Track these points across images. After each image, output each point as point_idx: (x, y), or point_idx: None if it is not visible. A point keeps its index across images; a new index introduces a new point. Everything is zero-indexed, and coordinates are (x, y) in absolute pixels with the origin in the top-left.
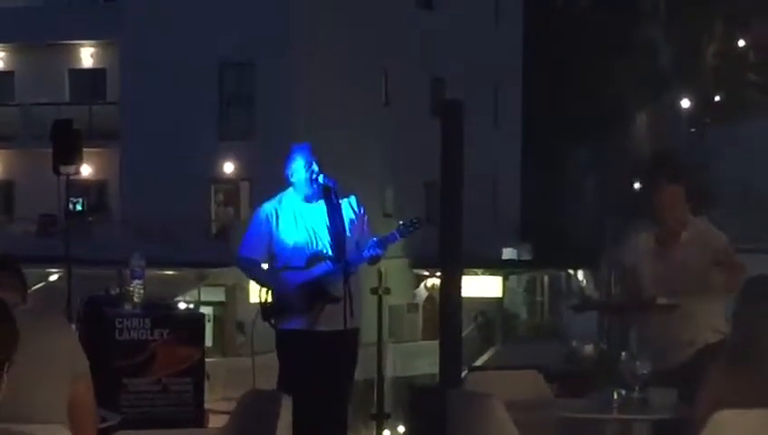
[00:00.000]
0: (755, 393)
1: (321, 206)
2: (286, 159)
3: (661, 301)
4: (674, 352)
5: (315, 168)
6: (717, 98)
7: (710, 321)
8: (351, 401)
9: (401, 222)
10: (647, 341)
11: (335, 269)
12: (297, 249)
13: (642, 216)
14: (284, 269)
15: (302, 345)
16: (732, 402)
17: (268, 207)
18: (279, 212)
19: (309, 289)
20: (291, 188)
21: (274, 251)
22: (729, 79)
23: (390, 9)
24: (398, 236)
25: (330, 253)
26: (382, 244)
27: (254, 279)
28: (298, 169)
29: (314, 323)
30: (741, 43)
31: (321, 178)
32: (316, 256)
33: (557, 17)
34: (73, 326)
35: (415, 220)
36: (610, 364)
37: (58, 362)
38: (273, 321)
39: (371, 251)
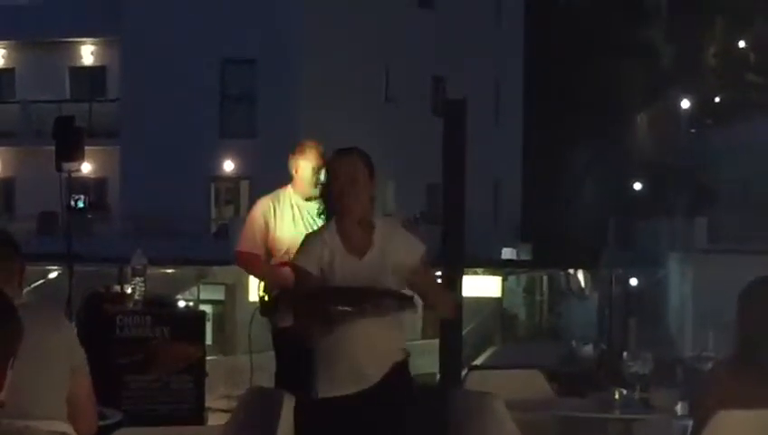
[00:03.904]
0: (759, 394)
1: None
2: (292, 153)
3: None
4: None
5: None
6: (718, 98)
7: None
8: None
9: (404, 219)
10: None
11: None
12: (296, 246)
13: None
14: (283, 266)
15: (300, 344)
16: (735, 403)
17: (266, 203)
18: (277, 208)
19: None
20: (290, 185)
21: (274, 247)
22: (730, 79)
23: (392, 7)
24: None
25: None
26: None
27: (253, 275)
28: (305, 168)
29: None
30: (741, 43)
31: (322, 177)
32: None
33: (558, 16)
34: (73, 323)
35: (419, 216)
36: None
37: (57, 356)
38: (271, 318)
39: None
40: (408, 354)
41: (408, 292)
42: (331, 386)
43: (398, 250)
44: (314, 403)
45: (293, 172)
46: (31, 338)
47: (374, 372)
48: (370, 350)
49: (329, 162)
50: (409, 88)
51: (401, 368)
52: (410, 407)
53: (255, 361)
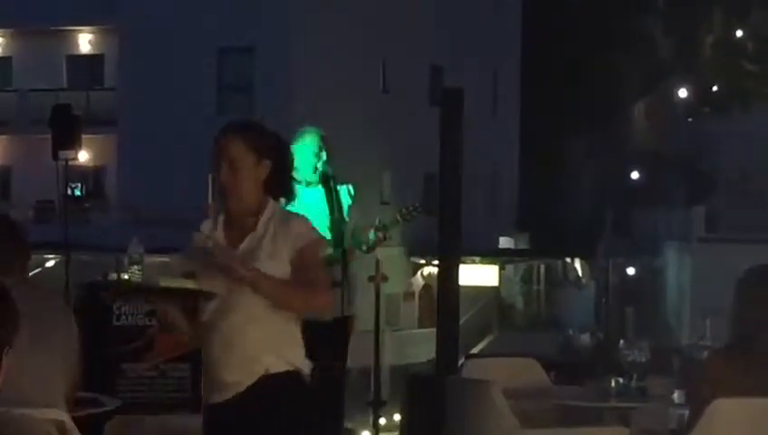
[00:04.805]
0: (755, 382)
1: (320, 191)
2: (293, 139)
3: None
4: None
5: (325, 156)
6: (715, 88)
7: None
8: (347, 387)
9: (403, 208)
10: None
11: (334, 255)
12: None
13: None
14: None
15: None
16: (731, 391)
17: None
18: None
19: None
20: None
21: None
22: (727, 69)
23: None
24: (399, 220)
25: (329, 238)
26: (385, 227)
27: None
28: (305, 152)
29: None
30: (739, 33)
31: (320, 165)
32: None
33: (555, 6)
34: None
35: (418, 205)
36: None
37: (59, 346)
38: None
39: (374, 235)
40: (297, 369)
41: (215, 289)
42: (204, 391)
43: (277, 236)
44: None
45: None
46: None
47: (234, 381)
48: (228, 356)
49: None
50: (407, 78)
51: (276, 381)
52: (287, 427)
53: None
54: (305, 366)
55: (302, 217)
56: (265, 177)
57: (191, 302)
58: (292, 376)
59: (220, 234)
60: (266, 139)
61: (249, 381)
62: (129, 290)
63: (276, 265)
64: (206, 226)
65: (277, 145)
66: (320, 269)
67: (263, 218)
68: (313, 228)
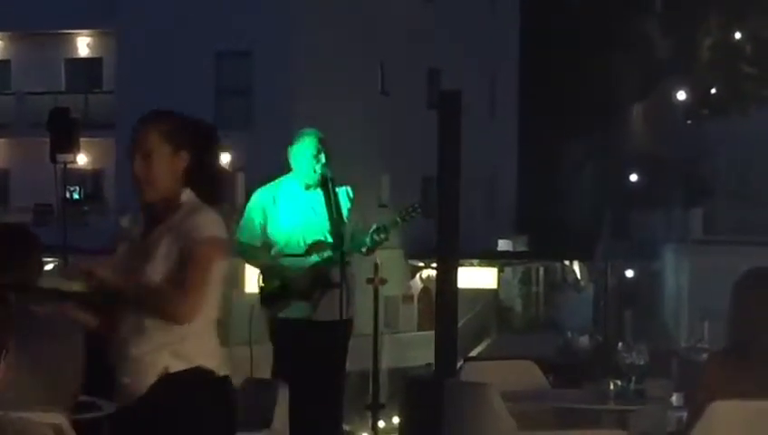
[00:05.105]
0: (753, 385)
1: (319, 193)
2: (291, 142)
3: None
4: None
5: (323, 158)
6: (713, 90)
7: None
8: (346, 390)
9: (402, 209)
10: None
11: (334, 258)
12: (295, 236)
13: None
14: (283, 256)
15: (299, 335)
16: (729, 394)
17: (266, 193)
18: (277, 198)
19: (309, 276)
20: (290, 174)
21: (273, 238)
22: (725, 71)
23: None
24: (399, 221)
25: (329, 240)
26: (385, 229)
27: (252, 265)
28: (304, 154)
29: (313, 312)
30: (737, 35)
31: (319, 167)
32: (316, 244)
33: (553, 8)
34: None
35: (417, 205)
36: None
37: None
38: (271, 308)
39: (375, 236)
40: (201, 367)
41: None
42: (114, 395)
43: (180, 231)
44: None
45: (292, 162)
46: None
47: (130, 382)
48: (125, 359)
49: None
50: (405, 81)
51: (178, 380)
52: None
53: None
54: (216, 366)
55: (211, 211)
56: (184, 169)
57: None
58: (197, 374)
59: (140, 229)
60: (185, 129)
61: (149, 382)
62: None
63: (168, 263)
64: (125, 221)
65: (198, 136)
66: (198, 271)
67: (178, 213)
68: (216, 225)
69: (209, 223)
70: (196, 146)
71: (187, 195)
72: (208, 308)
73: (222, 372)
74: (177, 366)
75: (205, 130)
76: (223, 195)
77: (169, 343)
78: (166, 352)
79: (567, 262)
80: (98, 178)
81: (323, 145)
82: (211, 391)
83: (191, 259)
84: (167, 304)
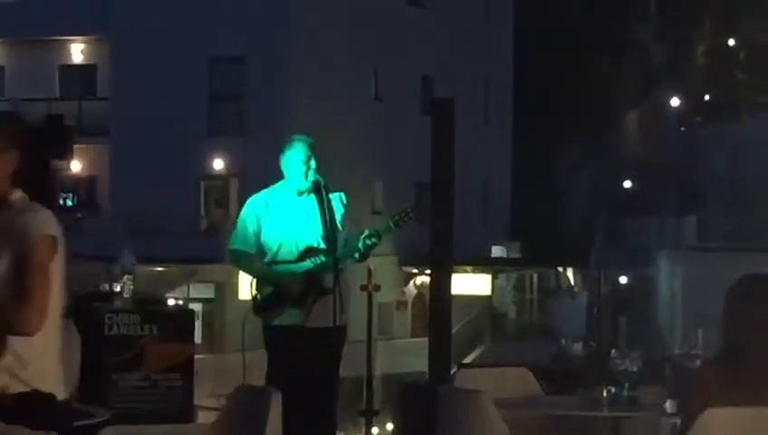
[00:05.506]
0: (746, 392)
1: (312, 200)
2: (283, 149)
3: None
4: None
5: (314, 164)
6: (707, 97)
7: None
8: (339, 397)
9: (395, 214)
10: None
11: (327, 264)
12: (289, 243)
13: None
14: (276, 263)
15: (292, 342)
16: (722, 401)
17: (259, 200)
18: (270, 205)
19: (302, 282)
20: (283, 181)
21: (266, 244)
22: (719, 78)
23: (381, 6)
24: (392, 226)
25: (323, 247)
26: (378, 234)
27: (246, 272)
28: (295, 161)
29: (306, 318)
30: (731, 42)
31: (310, 174)
32: (309, 251)
33: (547, 15)
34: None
35: (410, 210)
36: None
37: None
38: (265, 315)
39: (367, 241)
40: (36, 389)
41: None
42: None
43: (12, 233)
44: None
45: (284, 167)
46: None
47: None
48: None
49: None
50: (398, 87)
51: (14, 402)
52: None
53: (247, 359)
54: (55, 390)
55: (43, 210)
56: (14, 169)
57: None
58: (31, 398)
59: None
60: (13, 128)
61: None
62: None
63: (2, 266)
64: None
65: (28, 135)
66: (38, 274)
67: (9, 212)
68: (50, 224)
69: (42, 222)
70: (25, 146)
71: (17, 195)
72: (52, 314)
73: (61, 396)
74: (15, 388)
75: (37, 130)
76: (56, 195)
77: (8, 365)
78: (4, 374)
79: (561, 268)
80: (92, 185)
81: (313, 151)
82: (41, 416)
83: (29, 262)
84: (11, 317)
